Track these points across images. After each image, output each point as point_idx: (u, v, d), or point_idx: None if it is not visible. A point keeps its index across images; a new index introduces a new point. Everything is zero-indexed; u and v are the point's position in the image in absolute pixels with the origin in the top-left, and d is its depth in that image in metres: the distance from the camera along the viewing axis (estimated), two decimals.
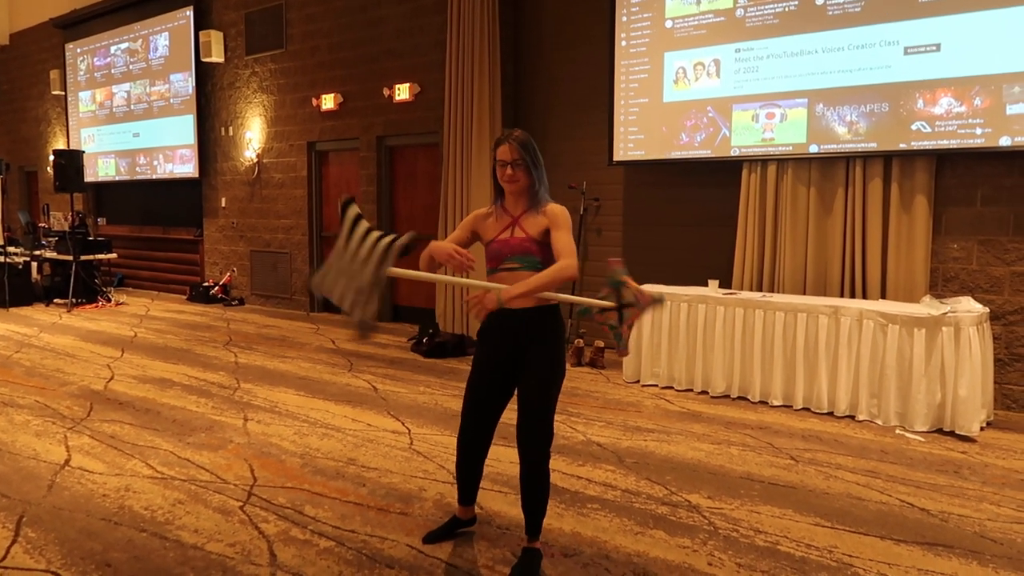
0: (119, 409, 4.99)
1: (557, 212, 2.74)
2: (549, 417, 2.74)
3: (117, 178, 12.01)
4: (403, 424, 4.67)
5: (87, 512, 3.33)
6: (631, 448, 4.22)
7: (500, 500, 3.47)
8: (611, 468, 3.90)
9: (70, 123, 12.86)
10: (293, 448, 4.21)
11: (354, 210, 2.69)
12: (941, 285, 5.31)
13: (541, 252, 2.71)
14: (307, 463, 3.97)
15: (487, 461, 3.99)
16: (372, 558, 2.92)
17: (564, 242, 2.66)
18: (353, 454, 4.11)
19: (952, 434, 4.53)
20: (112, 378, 5.85)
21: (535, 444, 2.72)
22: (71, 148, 12.14)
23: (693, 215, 6.47)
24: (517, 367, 2.79)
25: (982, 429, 4.59)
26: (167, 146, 11.06)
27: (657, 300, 2.78)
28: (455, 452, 3.03)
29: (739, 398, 5.33)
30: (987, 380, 4.69)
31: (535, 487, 2.77)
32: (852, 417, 4.87)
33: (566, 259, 2.61)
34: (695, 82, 6.14)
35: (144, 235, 11.89)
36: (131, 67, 11.56)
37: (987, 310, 4.77)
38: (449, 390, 5.53)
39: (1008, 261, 5.09)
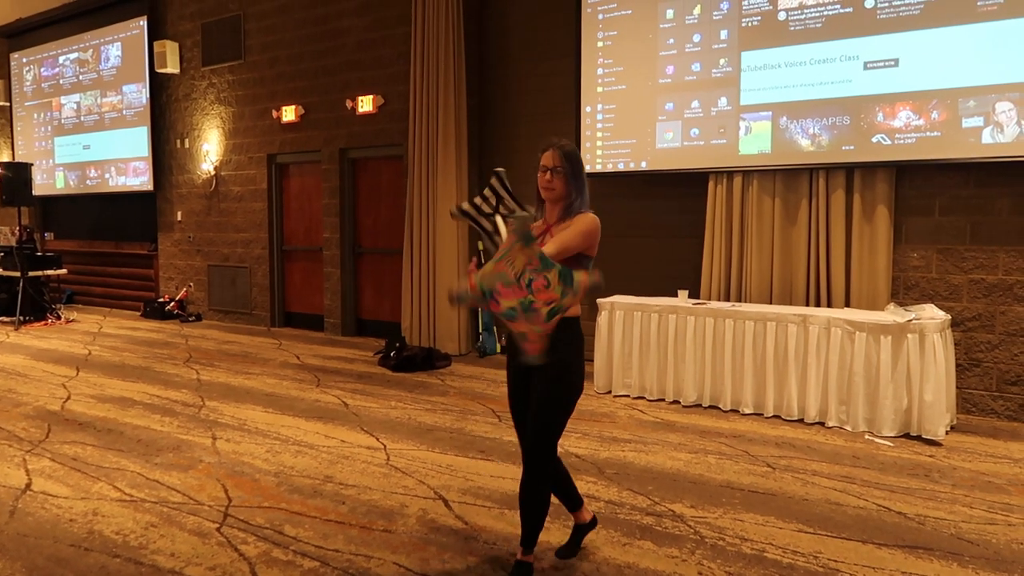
0: (79, 430, 4.80)
1: (580, 217, 2.72)
2: (547, 435, 2.71)
3: (66, 191, 11.64)
4: (377, 440, 4.59)
5: (54, 538, 3.19)
6: (610, 459, 4.22)
7: (485, 515, 3.43)
8: (592, 479, 3.89)
9: (15, 134, 12.43)
10: (267, 466, 4.10)
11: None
12: (902, 293, 5.45)
13: (567, 261, 2.61)
14: (283, 481, 3.87)
15: (467, 475, 3.96)
16: None
17: (562, 237, 2.64)
18: (329, 471, 4.02)
19: (919, 438, 4.64)
20: (69, 398, 5.64)
21: (531, 460, 2.72)
22: (16, 160, 11.73)
23: (661, 226, 6.53)
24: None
25: (947, 433, 4.71)
26: (119, 158, 10.76)
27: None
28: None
29: (710, 407, 5.38)
30: (950, 385, 4.82)
31: (530, 500, 2.74)
32: (822, 424, 4.95)
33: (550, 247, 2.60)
34: (662, 95, 6.22)
35: (95, 250, 11.53)
36: (81, 78, 11.24)
37: (949, 317, 4.91)
38: (421, 404, 5.47)
39: (966, 269, 5.25)
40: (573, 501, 3.03)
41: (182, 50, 9.96)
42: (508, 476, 3.92)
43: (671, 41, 6.13)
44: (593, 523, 3.08)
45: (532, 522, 2.77)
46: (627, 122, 6.41)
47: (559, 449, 3.14)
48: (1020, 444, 4.59)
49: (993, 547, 3.13)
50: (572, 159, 2.76)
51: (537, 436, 2.70)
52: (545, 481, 2.75)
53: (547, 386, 2.70)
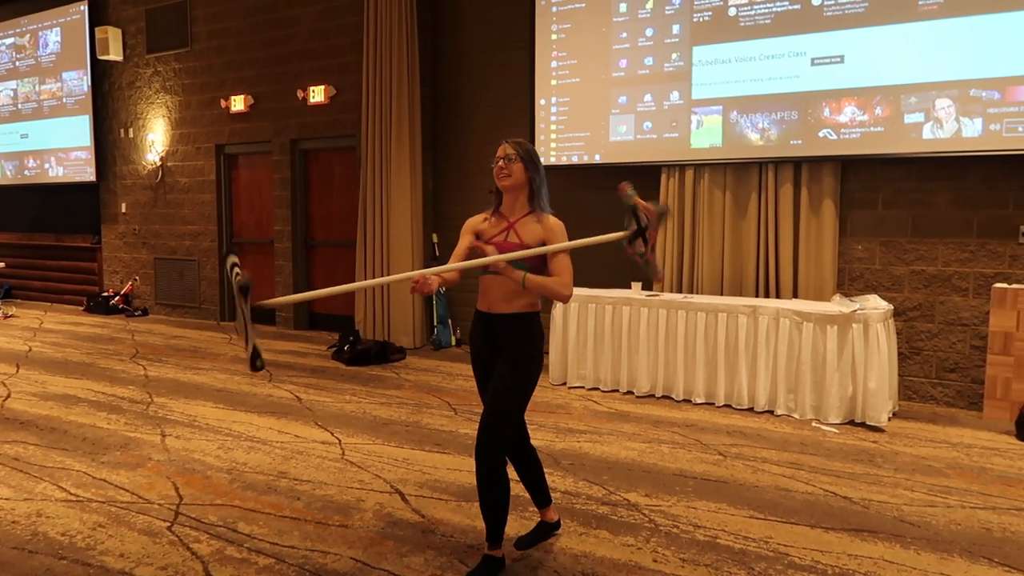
0: (21, 429, 4.65)
1: (557, 229, 2.81)
2: (502, 421, 2.71)
3: (3, 182, 11.22)
4: (332, 434, 4.55)
5: None
6: (565, 450, 4.26)
7: (442, 508, 3.43)
8: (548, 470, 3.88)
9: None
10: (218, 463, 4.03)
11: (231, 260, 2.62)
12: (847, 284, 5.60)
13: (532, 259, 2.72)
14: (235, 478, 3.81)
15: (423, 469, 3.96)
16: (315, 573, 2.83)
17: (563, 264, 2.76)
18: (283, 467, 3.97)
19: (863, 425, 4.78)
20: (9, 396, 5.46)
21: (483, 444, 2.69)
22: None
23: (614, 219, 6.55)
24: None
25: (889, 419, 4.87)
26: (60, 148, 10.42)
27: (661, 212, 2.94)
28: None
29: (663, 397, 5.46)
30: (893, 373, 4.98)
31: (486, 490, 2.71)
32: (771, 412, 5.07)
33: (567, 283, 2.75)
34: (615, 88, 6.26)
35: (34, 243, 11.15)
36: (17, 64, 10.84)
37: (891, 307, 5.07)
38: (376, 398, 5.43)
39: (907, 261, 5.42)
40: (542, 497, 3.05)
41: (125, 36, 9.67)
42: (465, 469, 3.93)
43: (624, 35, 6.18)
44: (557, 525, 3.11)
45: (491, 513, 2.74)
46: (581, 115, 6.44)
47: (535, 441, 3.16)
48: (958, 429, 4.77)
49: (933, 528, 3.26)
50: (525, 147, 2.86)
51: (490, 420, 2.71)
52: (495, 467, 2.69)
53: (505, 374, 2.74)
